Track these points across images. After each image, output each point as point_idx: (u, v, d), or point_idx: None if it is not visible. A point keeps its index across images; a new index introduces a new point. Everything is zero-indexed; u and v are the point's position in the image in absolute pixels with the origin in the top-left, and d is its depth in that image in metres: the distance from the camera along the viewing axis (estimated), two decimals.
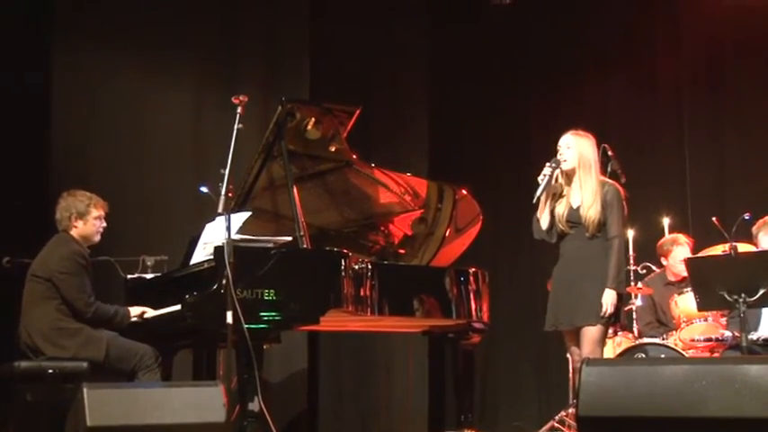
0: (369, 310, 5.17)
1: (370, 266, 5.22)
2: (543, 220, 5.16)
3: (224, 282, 4.65)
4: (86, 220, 5.28)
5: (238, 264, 4.68)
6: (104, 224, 5.36)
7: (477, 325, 5.76)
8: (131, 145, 6.84)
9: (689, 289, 5.86)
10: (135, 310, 5.25)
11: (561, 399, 6.84)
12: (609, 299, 4.95)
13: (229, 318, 4.58)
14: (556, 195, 5.18)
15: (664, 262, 6.72)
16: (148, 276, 5.67)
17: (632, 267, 6.63)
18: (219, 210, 4.78)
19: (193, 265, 5.25)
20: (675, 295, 6.30)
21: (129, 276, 5.69)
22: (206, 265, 4.99)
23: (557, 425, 6.39)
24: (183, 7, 7.01)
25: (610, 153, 5.72)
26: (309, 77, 7.17)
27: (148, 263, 5.75)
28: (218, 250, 4.78)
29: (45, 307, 5.10)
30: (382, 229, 6.00)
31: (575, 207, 5.10)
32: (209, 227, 5.29)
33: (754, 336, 5.69)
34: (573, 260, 5.10)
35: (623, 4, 8.09)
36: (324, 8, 7.47)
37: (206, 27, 7.10)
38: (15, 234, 5.93)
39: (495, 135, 8.16)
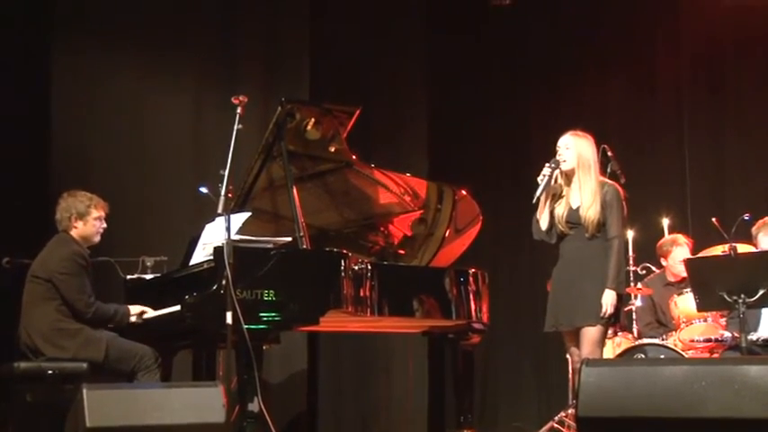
0: (368, 310, 5.16)
1: (369, 267, 5.22)
2: (543, 220, 5.15)
3: (223, 282, 4.65)
4: (86, 221, 5.28)
5: (238, 264, 4.68)
6: (104, 225, 5.35)
7: (476, 325, 5.75)
8: (131, 145, 6.83)
9: (688, 289, 5.86)
10: (134, 309, 5.24)
11: (561, 399, 6.84)
12: (608, 299, 4.95)
13: (229, 318, 4.58)
14: (555, 196, 5.17)
15: (663, 262, 6.72)
16: (148, 277, 5.66)
17: (632, 268, 6.62)
18: (219, 210, 4.77)
19: (193, 265, 5.24)
20: (675, 296, 6.30)
21: (128, 277, 5.68)
22: (206, 266, 4.99)
23: (556, 425, 6.39)
24: (183, 7, 7.01)
25: (609, 153, 5.73)
26: (309, 78, 7.16)
27: (148, 263, 5.74)
28: (218, 251, 4.78)
29: (45, 307, 5.10)
30: (382, 229, 6.00)
31: (574, 207, 5.09)
32: (208, 227, 5.28)
33: (753, 336, 5.69)
34: (572, 261, 5.10)
35: (623, 4, 8.08)
36: (324, 8, 7.46)
37: (206, 27, 7.10)
38: (15, 234, 5.93)
39: (495, 135, 8.16)
